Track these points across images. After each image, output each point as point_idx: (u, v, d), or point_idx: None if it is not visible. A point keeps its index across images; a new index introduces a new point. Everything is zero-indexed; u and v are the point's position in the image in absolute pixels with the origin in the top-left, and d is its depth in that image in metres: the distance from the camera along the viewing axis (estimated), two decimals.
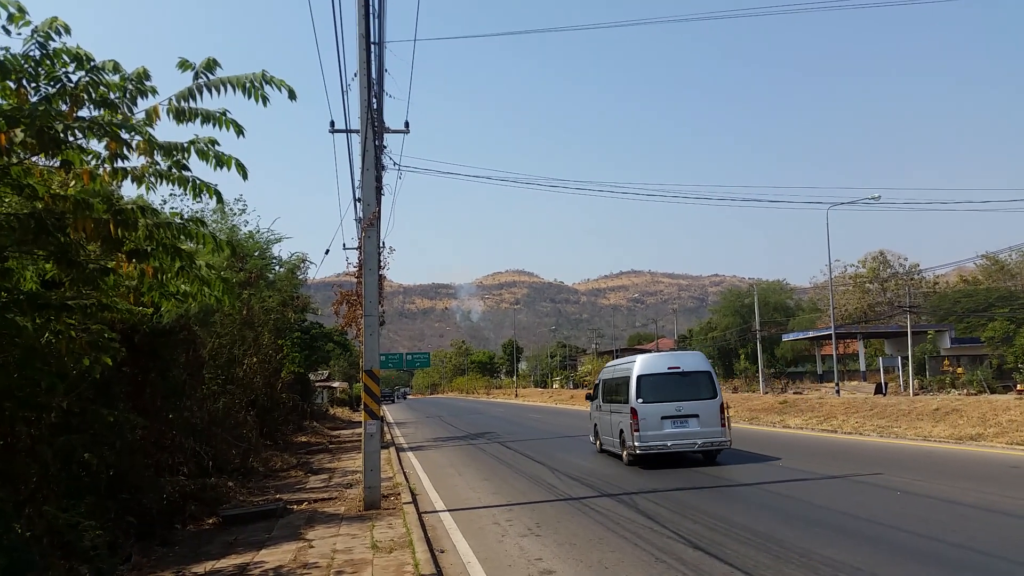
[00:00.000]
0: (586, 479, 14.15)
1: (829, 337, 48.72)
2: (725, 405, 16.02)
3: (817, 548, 8.00)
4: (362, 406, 12.66)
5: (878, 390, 41.03)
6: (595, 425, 19.38)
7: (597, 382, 19.74)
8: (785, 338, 68.18)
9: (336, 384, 59.40)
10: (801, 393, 42.00)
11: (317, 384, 47.51)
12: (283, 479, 15.53)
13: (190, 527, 10.32)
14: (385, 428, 30.67)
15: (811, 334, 61.37)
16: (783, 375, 70.73)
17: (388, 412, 54.17)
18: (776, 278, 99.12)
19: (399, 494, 12.49)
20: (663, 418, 15.37)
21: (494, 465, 17.55)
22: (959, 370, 45.47)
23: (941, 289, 75.16)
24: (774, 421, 26.91)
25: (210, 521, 10.66)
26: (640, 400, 15.48)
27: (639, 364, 16.15)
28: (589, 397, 20.51)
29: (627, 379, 16.10)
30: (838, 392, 38.68)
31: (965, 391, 35.64)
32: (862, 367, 56.65)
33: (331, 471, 16.79)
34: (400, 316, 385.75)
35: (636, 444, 15.22)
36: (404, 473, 15.81)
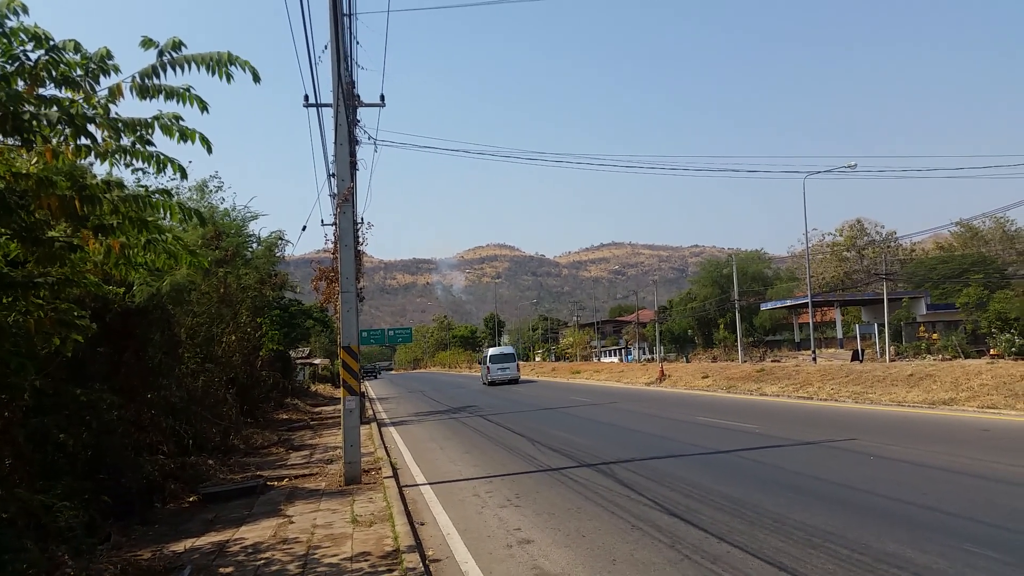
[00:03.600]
0: (565, 449, 14.28)
1: (806, 306, 49.19)
2: (519, 365, 50.45)
3: (790, 513, 8.14)
4: (341, 382, 12.67)
5: (855, 357, 41.56)
6: (483, 373, 49.77)
7: (484, 356, 51.85)
8: (763, 307, 68.68)
9: (317, 361, 59.27)
10: (779, 361, 42.47)
11: (298, 361, 47.37)
12: (264, 456, 15.53)
13: (170, 505, 10.31)
14: (367, 404, 30.72)
15: (788, 303, 61.87)
16: (762, 344, 71.36)
17: (371, 388, 54.24)
18: (755, 248, 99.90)
19: (380, 469, 12.54)
20: (496, 368, 46.93)
21: (475, 438, 17.65)
22: (934, 336, 46.06)
23: (917, 256, 75.99)
24: (751, 389, 27.23)
25: (190, 499, 10.66)
26: (489, 361, 47.96)
27: (490, 350, 50.51)
28: (480, 362, 57.17)
29: (487, 354, 49.65)
30: (815, 359, 39.14)
31: (940, 356, 36.17)
32: (839, 335, 57.32)
33: (312, 447, 16.81)
34: (381, 292, 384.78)
35: (488, 377, 47.04)
36: (385, 448, 15.86)
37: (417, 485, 11.61)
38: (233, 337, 21.92)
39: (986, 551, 6.42)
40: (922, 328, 50.17)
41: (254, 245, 27.78)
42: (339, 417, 15.89)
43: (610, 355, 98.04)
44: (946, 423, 15.57)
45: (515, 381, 47.26)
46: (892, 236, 75.68)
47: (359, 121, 21.35)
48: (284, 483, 11.86)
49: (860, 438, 13.73)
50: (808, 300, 46.96)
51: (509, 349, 52.37)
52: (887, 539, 6.91)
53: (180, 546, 7.88)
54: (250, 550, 7.58)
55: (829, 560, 6.36)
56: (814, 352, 43.07)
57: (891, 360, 37.16)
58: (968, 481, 9.54)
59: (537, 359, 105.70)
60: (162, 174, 6.30)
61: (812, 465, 11.26)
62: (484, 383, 48.36)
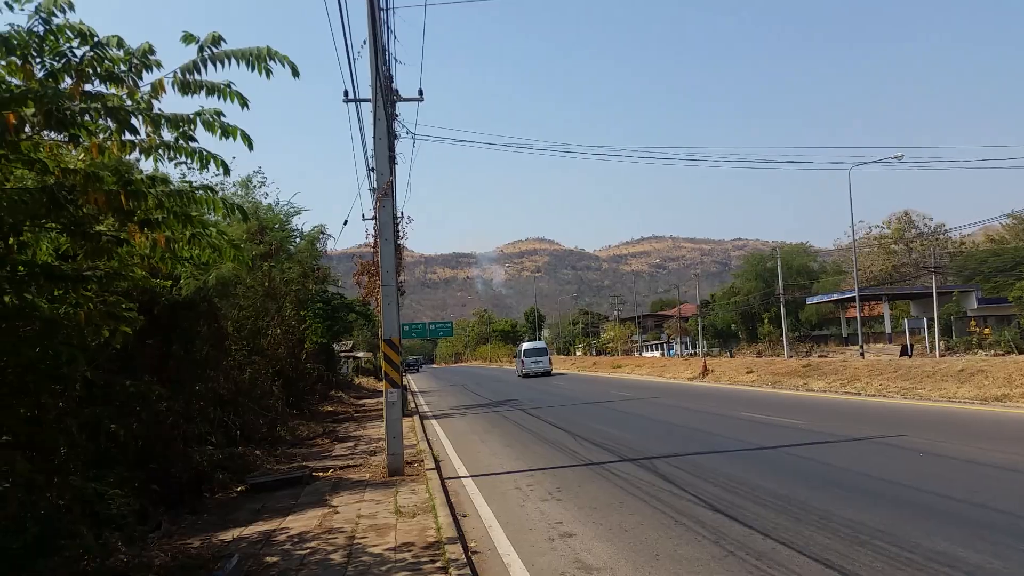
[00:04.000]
0: (607, 444, 14.21)
1: (853, 299, 48.23)
2: (551, 359, 53.42)
3: (837, 509, 7.99)
4: (383, 375, 12.78)
5: (903, 352, 40.67)
6: (518, 366, 53.84)
7: (519, 350, 56.13)
8: (809, 301, 67.58)
9: (360, 354, 59.90)
10: (826, 356, 41.73)
11: (342, 354, 47.95)
12: (309, 447, 15.76)
13: (219, 495, 10.52)
14: (409, 397, 30.99)
15: (835, 297, 60.80)
16: (807, 338, 70.27)
17: (412, 381, 54.67)
18: (800, 241, 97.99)
19: (422, 461, 12.63)
20: (530, 361, 50.12)
21: (516, 432, 17.67)
22: (986, 330, 44.86)
23: (967, 249, 74.02)
24: (797, 385, 26.79)
25: (238, 489, 10.86)
26: (524, 355, 51.48)
27: (524, 345, 54.85)
28: (515, 356, 60.34)
29: (522, 348, 53.97)
30: (863, 354, 38.39)
31: (992, 352, 35.19)
32: (887, 329, 56.13)
33: (356, 439, 17.00)
34: (422, 286, 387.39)
35: (522, 370, 50.32)
36: (428, 440, 15.97)
37: (459, 477, 11.66)
38: (278, 330, 22.27)
39: None
40: (973, 323, 48.93)
41: (297, 240, 28.20)
42: (382, 409, 16.08)
43: (652, 350, 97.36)
44: (998, 420, 15.13)
45: (547, 373, 49.96)
46: (941, 228, 73.85)
47: (397, 115, 21.47)
48: (329, 474, 12.01)
49: (909, 434, 13.42)
50: (855, 294, 46.05)
51: (542, 344, 57.07)
52: (937, 537, 6.74)
53: (228, 535, 8.03)
54: (296, 539, 7.69)
55: (877, 558, 6.23)
56: (862, 347, 42.23)
57: (941, 355, 36.26)
58: (1022, 479, 9.26)
59: (578, 353, 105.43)
60: (206, 170, 6.40)
61: (859, 461, 11.04)
62: (519, 375, 51.36)
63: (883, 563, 6.09)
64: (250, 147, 5.99)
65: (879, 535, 6.91)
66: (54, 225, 6.13)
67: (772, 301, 70.44)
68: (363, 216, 30.10)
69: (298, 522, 8.51)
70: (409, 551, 6.97)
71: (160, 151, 6.18)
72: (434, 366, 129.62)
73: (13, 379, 6.42)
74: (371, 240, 22.77)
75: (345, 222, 30.35)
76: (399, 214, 25.88)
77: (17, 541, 5.09)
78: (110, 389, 9.19)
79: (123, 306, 6.91)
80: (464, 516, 8.89)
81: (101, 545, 6.01)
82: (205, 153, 6.11)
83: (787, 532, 7.20)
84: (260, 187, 24.89)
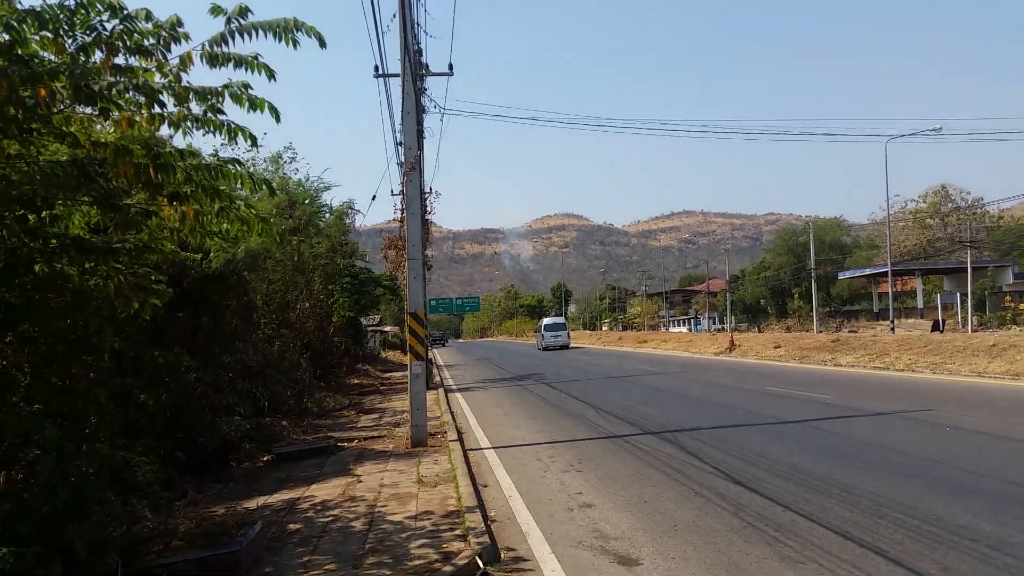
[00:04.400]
0: (629, 417, 14.24)
1: (886, 274, 47.53)
2: (569, 334, 57.69)
3: (859, 483, 7.96)
4: (408, 348, 12.91)
5: (935, 327, 40.09)
6: (538, 339, 57.15)
7: (539, 325, 60.93)
8: (841, 276, 66.70)
9: (388, 328, 60.43)
10: (855, 332, 41.25)
11: (369, 328, 48.40)
12: (335, 419, 15.99)
13: (245, 464, 10.74)
14: (435, 370, 31.21)
15: (867, 271, 59.92)
16: (838, 314, 69.47)
17: (438, 355, 55.03)
18: (834, 215, 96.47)
19: (445, 432, 12.77)
20: (549, 335, 54.32)
21: (539, 405, 17.77)
22: (1021, 306, 44.01)
23: (1005, 224, 72.40)
24: (825, 359, 26.57)
25: (264, 459, 11.07)
26: (544, 329, 56.11)
27: (545, 320, 60.62)
28: (536, 330, 63.75)
29: (542, 323, 59.16)
30: (893, 329, 37.91)
31: None
32: (919, 304, 55.30)
33: (382, 411, 17.22)
34: (450, 261, 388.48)
35: (542, 343, 54.37)
36: (451, 412, 16.12)
37: (481, 449, 11.78)
38: (307, 304, 22.54)
39: None
40: (1008, 298, 47.99)
41: (327, 215, 28.42)
42: (407, 382, 16.26)
43: (679, 325, 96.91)
44: None
45: (565, 347, 54.00)
46: (978, 202, 72.15)
47: (426, 89, 21.47)
48: (354, 444, 12.20)
49: (936, 409, 13.28)
50: (888, 269, 45.37)
51: (561, 320, 63.98)
52: (960, 511, 6.69)
53: (253, 503, 8.21)
54: (319, 507, 7.85)
55: (897, 530, 6.21)
56: (892, 322, 41.69)
57: (973, 330, 35.68)
58: None
59: (604, 328, 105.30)
60: (235, 144, 6.46)
61: (884, 435, 10.96)
62: (539, 348, 55.43)
63: (903, 535, 6.07)
64: (277, 119, 6.03)
65: (900, 508, 6.89)
66: (85, 198, 6.24)
67: (803, 276, 69.65)
68: (391, 192, 30.25)
69: (322, 491, 8.67)
70: (429, 519, 7.08)
71: (189, 124, 6.25)
72: (460, 341, 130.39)
73: (44, 349, 6.58)
74: (399, 215, 22.93)
75: (373, 197, 30.56)
76: (427, 189, 26.00)
77: (47, 506, 5.26)
78: (140, 360, 9.37)
79: (152, 279, 7.04)
80: (485, 486, 8.99)
81: (128, 512, 6.18)
82: (233, 126, 6.16)
83: (807, 504, 7.19)
84: (290, 163, 25.12)
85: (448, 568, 5.57)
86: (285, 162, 24.73)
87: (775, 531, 6.41)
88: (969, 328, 38.28)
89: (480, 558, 5.82)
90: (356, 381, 26.81)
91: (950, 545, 5.80)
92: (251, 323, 14.98)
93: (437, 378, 27.91)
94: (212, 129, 6.28)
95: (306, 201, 25.54)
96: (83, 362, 7.18)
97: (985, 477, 8.05)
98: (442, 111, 25.73)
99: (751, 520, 6.79)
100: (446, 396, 20.22)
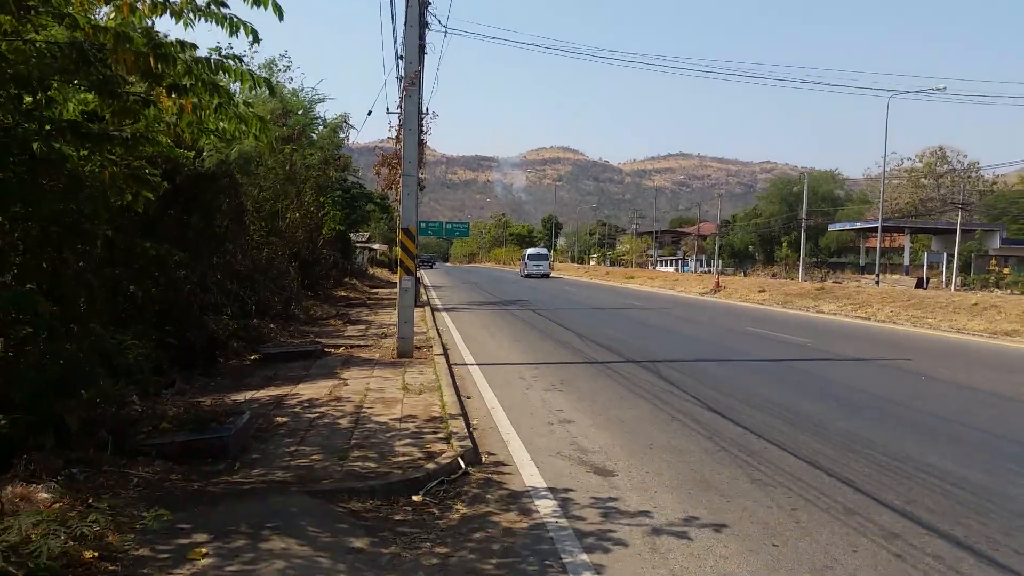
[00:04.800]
0: (612, 346, 14.45)
1: (875, 229, 47.71)
2: (550, 264, 64.69)
3: (832, 420, 8.18)
4: (398, 262, 12.96)
5: (919, 284, 40.50)
6: (521, 267, 61.88)
7: (523, 253, 64.53)
8: (831, 228, 66.92)
9: (376, 246, 60.39)
10: (840, 283, 41.63)
11: (358, 244, 48.28)
12: (322, 327, 16.12)
13: (232, 362, 10.86)
14: (422, 290, 31.34)
15: (858, 225, 60.13)
16: (824, 265, 69.96)
17: (425, 276, 55.14)
18: (829, 168, 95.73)
19: (431, 347, 12.93)
20: (532, 264, 58.40)
21: (525, 329, 17.96)
22: (1005, 270, 44.43)
23: (999, 189, 72.45)
24: (808, 306, 26.88)
25: (251, 358, 11.20)
26: (527, 258, 59.82)
27: (529, 250, 64.17)
28: (521, 258, 65.13)
29: (526, 252, 62.31)
30: (877, 283, 38.29)
31: (1009, 291, 34.97)
32: (906, 262, 55.69)
33: (368, 323, 17.35)
34: (442, 186, 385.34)
35: (524, 271, 59.19)
36: (437, 330, 16.28)
37: (465, 364, 11.95)
38: (297, 214, 22.42)
39: None
40: (993, 262, 48.37)
41: (320, 127, 27.98)
42: (395, 299, 16.38)
43: (666, 265, 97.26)
44: (1006, 353, 15.22)
45: (546, 276, 59.12)
46: (974, 166, 71.99)
47: (430, 2, 20.93)
48: (340, 351, 12.34)
49: (914, 359, 13.55)
50: (878, 224, 45.51)
51: (544, 251, 67.38)
52: (929, 452, 6.91)
53: (240, 396, 8.34)
54: (306, 404, 8.00)
55: (866, 465, 6.42)
56: (878, 276, 42.10)
57: (956, 290, 36.09)
58: (1021, 408, 9.41)
59: (592, 263, 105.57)
60: (235, 37, 6.32)
61: (860, 379, 11.21)
62: (521, 275, 60.89)
63: (872, 470, 6.28)
64: (280, 17, 5.90)
65: (871, 445, 7.10)
66: (83, 83, 6.13)
67: (793, 225, 69.80)
68: (387, 109, 29.68)
69: (308, 390, 8.81)
70: (413, 422, 7.24)
71: (191, 15, 6.10)
72: (448, 264, 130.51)
73: (37, 231, 6.57)
74: (394, 134, 22.64)
75: (369, 112, 29.94)
76: (424, 109, 25.57)
77: (40, 379, 5.33)
78: (131, 252, 9.35)
79: (147, 171, 6.98)
80: (468, 398, 9.16)
81: (117, 393, 6.27)
82: (235, 19, 6.02)
83: (780, 435, 7.41)
84: (285, 71, 24.57)
85: (431, 465, 5.74)
86: (280, 70, 24.20)
87: (747, 456, 6.62)
88: (952, 288, 38.72)
89: (462, 459, 5.99)
90: (343, 294, 26.91)
91: (916, 480, 6.01)
92: (241, 225, 14.91)
93: (424, 297, 28.04)
94: (214, 21, 6.15)
95: (300, 111, 25.11)
96: (75, 247, 7.17)
97: (955, 424, 8.28)
98: (445, 29, 25.25)
99: (724, 445, 7.00)
100: (432, 315, 20.37)
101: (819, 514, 5.16)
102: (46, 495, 4.43)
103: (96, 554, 3.82)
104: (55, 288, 7.06)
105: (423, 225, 57.53)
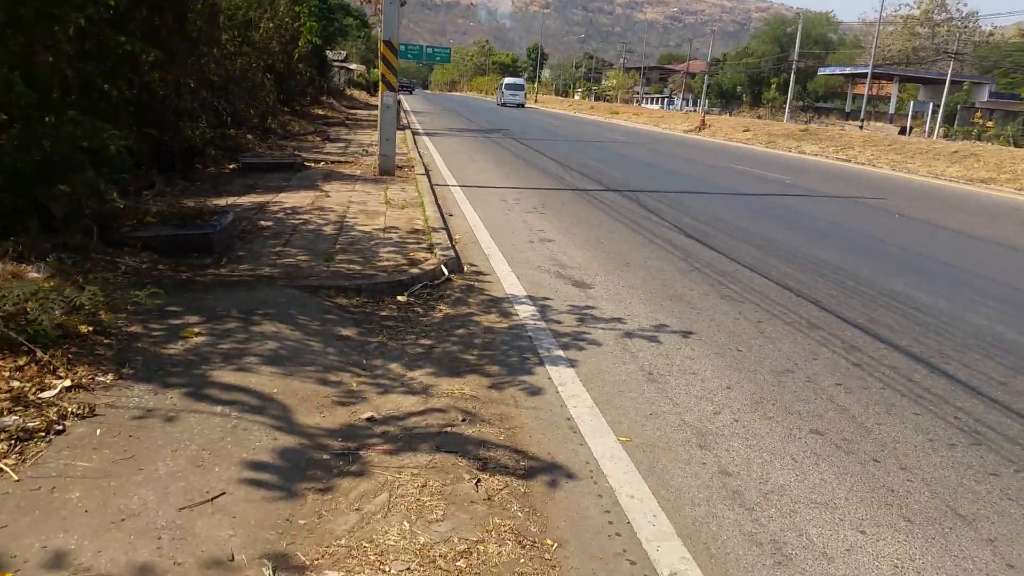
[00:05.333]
0: (594, 176, 14.43)
1: (865, 75, 46.74)
2: (526, 95, 63.39)
3: (805, 249, 8.41)
4: (379, 76, 12.55)
5: (902, 132, 40.33)
6: (498, 95, 62.94)
7: (500, 83, 66.06)
8: (821, 71, 65.38)
9: (353, 66, 58.05)
10: (824, 126, 41.27)
11: (335, 63, 46.42)
12: (300, 142, 15.84)
13: (211, 169, 10.73)
14: (402, 114, 30.57)
15: (848, 70, 58.79)
16: (811, 109, 68.98)
17: (405, 102, 53.62)
18: (825, 10, 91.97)
19: (413, 167, 12.82)
20: (508, 94, 58.61)
21: (507, 156, 17.80)
22: (989, 123, 44.16)
23: (995, 41, 70.56)
24: (790, 147, 26.81)
25: (230, 166, 11.06)
26: (504, 88, 60.60)
27: (506, 80, 65.73)
28: (498, 87, 67.11)
29: (503, 82, 63.36)
30: (861, 128, 38.03)
31: (990, 143, 34.96)
32: (891, 110, 55.08)
33: (347, 141, 17.07)
34: (422, 7, 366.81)
35: (500, 100, 59.56)
36: (419, 152, 16.09)
37: (447, 185, 11.92)
38: (271, 24, 21.34)
39: (988, 301, 6.69)
40: (978, 114, 48.01)
41: None
42: (374, 121, 15.94)
43: (652, 102, 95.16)
44: (980, 199, 15.49)
45: (521, 106, 59.36)
46: (973, 16, 69.65)
47: None
48: (320, 166, 12.22)
49: (890, 199, 13.77)
50: (868, 70, 44.53)
51: (521, 81, 67.76)
52: (895, 281, 7.18)
53: (222, 201, 8.31)
54: (289, 211, 8.02)
55: (833, 288, 6.68)
56: (862, 120, 41.78)
57: (937, 139, 36.03)
58: (990, 248, 9.74)
59: (576, 97, 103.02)
60: None
61: (836, 215, 11.43)
62: (498, 104, 61.50)
63: (838, 292, 6.54)
64: None
65: (840, 272, 7.36)
66: None
67: (783, 68, 68.00)
68: None
69: (291, 199, 8.80)
70: (396, 233, 7.32)
71: None
72: (428, 92, 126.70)
73: (4, 11, 6.24)
74: None
75: None
76: None
77: (23, 161, 5.24)
78: (103, 46, 8.95)
79: None
80: (450, 215, 9.21)
81: (99, 184, 6.20)
82: None
83: (752, 259, 7.63)
84: None
85: (415, 271, 5.87)
86: None
87: (719, 276, 6.84)
88: (935, 137, 38.59)
89: (445, 267, 6.13)
90: (320, 112, 26.23)
91: (880, 303, 6.29)
92: (215, 28, 14.22)
93: (404, 121, 27.41)
94: None
95: None
96: (45, 30, 6.83)
97: (924, 258, 8.57)
98: None
99: (698, 266, 7.21)
100: (414, 138, 20.04)
101: (783, 327, 5.43)
102: (36, 274, 4.50)
103: (91, 328, 3.95)
104: (29, 76, 6.81)
105: (402, 48, 55.16)
